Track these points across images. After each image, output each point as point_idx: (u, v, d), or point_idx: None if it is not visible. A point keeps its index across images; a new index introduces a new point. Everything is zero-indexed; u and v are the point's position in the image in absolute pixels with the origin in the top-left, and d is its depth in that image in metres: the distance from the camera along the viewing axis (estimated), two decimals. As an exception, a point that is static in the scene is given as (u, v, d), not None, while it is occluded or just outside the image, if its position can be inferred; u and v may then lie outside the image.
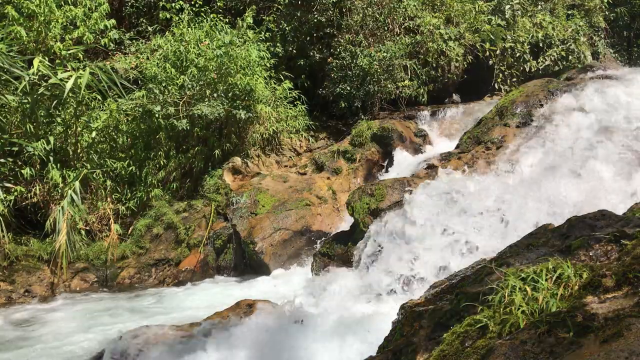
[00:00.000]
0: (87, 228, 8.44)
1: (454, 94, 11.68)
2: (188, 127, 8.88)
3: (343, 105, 10.36)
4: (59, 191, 8.11)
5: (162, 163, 9.16)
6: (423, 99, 10.62)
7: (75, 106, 8.44)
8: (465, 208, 5.97)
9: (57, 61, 8.76)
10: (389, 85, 10.13)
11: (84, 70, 7.89)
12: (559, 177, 6.41)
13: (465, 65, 11.29)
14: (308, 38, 11.13)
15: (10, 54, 7.57)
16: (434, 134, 9.83)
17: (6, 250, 7.63)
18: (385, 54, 9.94)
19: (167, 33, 10.12)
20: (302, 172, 9.25)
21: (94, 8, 9.25)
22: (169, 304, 6.76)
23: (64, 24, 8.87)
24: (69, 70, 8.27)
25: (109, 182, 8.79)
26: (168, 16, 10.60)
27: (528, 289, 2.05)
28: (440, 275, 5.09)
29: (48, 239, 7.86)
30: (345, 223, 7.67)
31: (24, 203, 8.17)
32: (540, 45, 11.69)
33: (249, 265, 7.87)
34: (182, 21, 10.04)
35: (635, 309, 1.68)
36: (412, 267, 5.56)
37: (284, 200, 8.22)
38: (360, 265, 6.09)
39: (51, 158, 8.16)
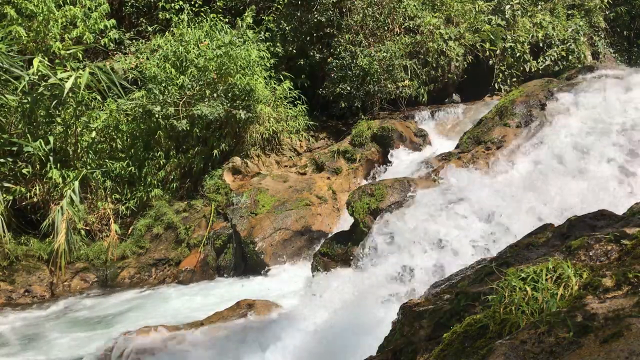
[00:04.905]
0: (87, 228, 8.44)
1: (454, 94, 11.67)
2: (188, 128, 8.88)
3: (343, 105, 10.36)
4: (59, 191, 8.11)
5: (161, 163, 9.16)
6: (423, 99, 10.62)
7: (75, 106, 8.44)
8: (466, 208, 5.96)
9: (57, 61, 8.76)
10: (389, 85, 10.12)
11: (83, 70, 7.90)
12: (558, 176, 6.41)
13: (465, 65, 11.28)
14: (308, 38, 11.12)
15: (10, 53, 7.57)
16: (434, 134, 9.82)
17: (6, 250, 7.63)
18: (385, 54, 9.94)
19: (167, 33, 10.12)
20: (302, 172, 9.25)
21: (93, 8, 9.25)
22: (169, 304, 6.76)
23: (64, 23, 8.87)
24: (69, 70, 8.27)
25: (108, 182, 8.79)
26: (168, 16, 10.60)
27: (528, 289, 2.05)
28: (440, 276, 5.08)
29: (48, 239, 7.86)
30: (345, 223, 7.66)
31: (23, 203, 8.17)
32: (540, 45, 11.69)
33: (249, 265, 7.87)
34: (182, 21, 10.04)
35: (635, 309, 1.68)
36: (412, 268, 5.55)
37: (284, 200, 8.22)
38: (360, 265, 6.09)
39: (51, 158, 8.16)
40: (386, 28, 10.76)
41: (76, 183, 7.83)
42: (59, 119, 8.52)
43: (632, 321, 1.61)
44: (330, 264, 6.43)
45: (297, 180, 8.87)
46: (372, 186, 6.87)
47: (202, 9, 10.58)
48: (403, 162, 8.81)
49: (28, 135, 8.12)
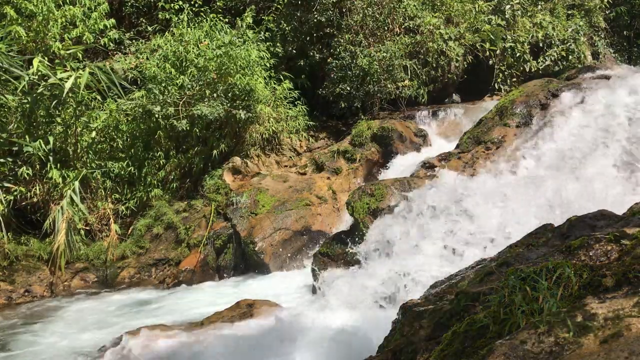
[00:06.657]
0: (87, 228, 8.44)
1: (454, 94, 11.67)
2: (188, 128, 8.88)
3: (343, 105, 10.36)
4: (59, 191, 8.11)
5: (161, 163, 9.16)
6: (423, 99, 10.62)
7: (74, 106, 8.44)
8: (467, 208, 5.96)
9: (57, 61, 8.76)
10: (389, 85, 10.12)
11: (83, 70, 7.90)
12: (558, 177, 6.40)
13: (465, 65, 11.28)
14: (308, 38, 11.12)
15: (10, 53, 7.57)
16: (434, 134, 9.82)
17: (6, 250, 7.63)
18: (385, 54, 9.94)
19: (167, 33, 10.12)
20: (302, 172, 9.25)
21: (93, 8, 9.25)
22: (169, 304, 6.76)
23: (63, 23, 8.86)
24: (69, 70, 8.27)
25: (108, 182, 8.79)
26: (168, 16, 10.61)
27: (528, 289, 2.05)
28: (440, 276, 5.08)
29: (48, 238, 7.87)
30: (345, 223, 7.67)
31: (23, 203, 8.17)
32: (540, 45, 11.69)
33: (249, 265, 7.87)
34: (182, 21, 10.04)
35: (635, 309, 1.68)
36: (412, 267, 5.55)
37: (284, 200, 8.22)
38: (359, 265, 6.09)
39: (51, 158, 8.16)
40: (386, 28, 10.76)
41: (76, 183, 7.83)
42: (59, 119, 8.52)
43: (632, 321, 1.61)
44: (330, 264, 6.44)
45: (297, 180, 8.87)
46: (372, 186, 6.87)
47: (202, 9, 10.58)
48: (403, 162, 8.81)
49: (28, 135, 8.12)
